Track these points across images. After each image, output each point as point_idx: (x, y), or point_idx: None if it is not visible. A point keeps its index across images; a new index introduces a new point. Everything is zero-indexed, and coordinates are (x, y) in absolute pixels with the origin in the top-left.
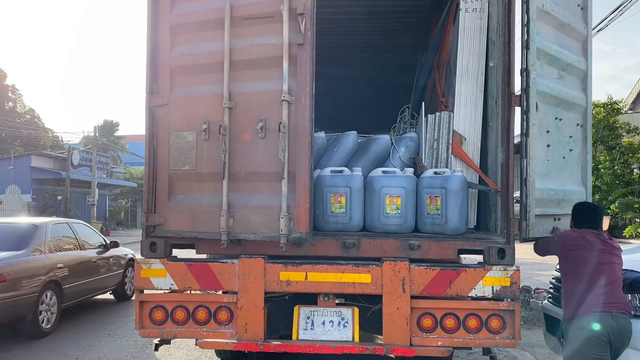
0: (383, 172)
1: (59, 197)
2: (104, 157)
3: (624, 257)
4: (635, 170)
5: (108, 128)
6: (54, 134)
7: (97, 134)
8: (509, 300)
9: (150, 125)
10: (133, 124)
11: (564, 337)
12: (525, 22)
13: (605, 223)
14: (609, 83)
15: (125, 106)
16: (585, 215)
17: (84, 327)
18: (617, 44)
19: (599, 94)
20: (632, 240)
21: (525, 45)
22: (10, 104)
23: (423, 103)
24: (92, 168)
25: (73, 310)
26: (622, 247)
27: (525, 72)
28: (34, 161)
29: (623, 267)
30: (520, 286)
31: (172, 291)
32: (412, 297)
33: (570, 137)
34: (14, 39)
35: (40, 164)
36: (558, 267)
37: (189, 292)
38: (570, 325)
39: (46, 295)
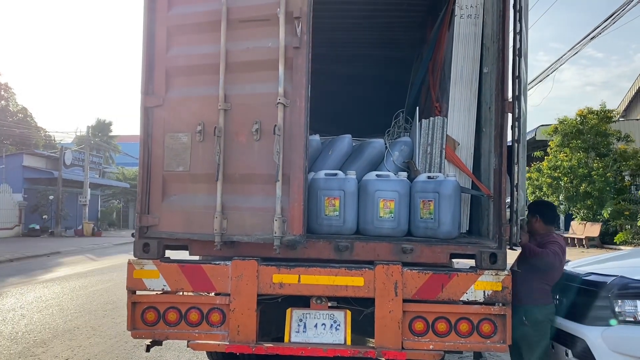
0: (377, 175)
1: (51, 197)
2: (96, 157)
3: (613, 263)
4: (627, 177)
5: (101, 128)
6: (47, 133)
7: (90, 134)
8: (500, 304)
9: (145, 126)
10: (126, 124)
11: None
12: (518, 31)
13: (596, 230)
14: (602, 90)
15: (119, 106)
16: (554, 213)
17: (74, 328)
18: (611, 51)
19: (591, 101)
20: (622, 247)
21: (518, 53)
22: (2, 102)
23: (417, 108)
24: (84, 168)
25: (63, 312)
26: (612, 253)
27: (517, 79)
28: (26, 160)
29: (612, 274)
30: None
31: (165, 292)
32: (404, 301)
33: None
34: (6, 37)
35: (32, 163)
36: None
37: (181, 293)
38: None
39: None
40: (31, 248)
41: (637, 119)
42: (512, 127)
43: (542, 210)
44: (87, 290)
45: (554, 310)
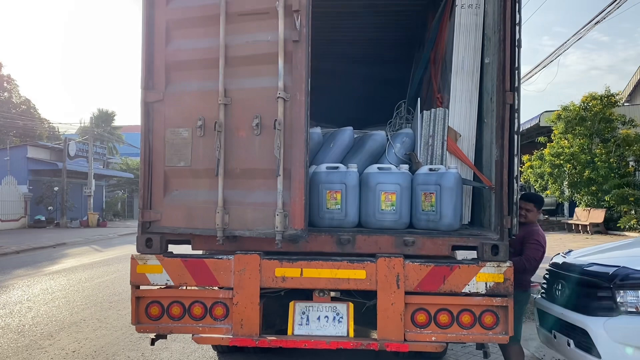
0: (378, 168)
1: (56, 188)
2: (100, 148)
3: (616, 253)
4: (630, 162)
5: (104, 118)
6: (50, 124)
7: (93, 125)
8: (502, 296)
9: (145, 121)
10: (130, 114)
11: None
12: (517, 21)
13: (601, 216)
14: (607, 74)
15: (122, 96)
16: None
17: (81, 320)
18: (616, 34)
19: (597, 86)
20: (627, 233)
21: (517, 44)
22: (5, 94)
23: (419, 99)
24: (88, 159)
25: (70, 304)
26: (615, 243)
27: (516, 70)
28: (30, 152)
29: (614, 264)
30: None
31: (168, 287)
32: (407, 293)
33: None
34: (9, 28)
35: (36, 154)
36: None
37: (184, 287)
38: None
39: None
40: (37, 239)
41: None
42: (511, 119)
43: (539, 202)
44: (93, 282)
45: (529, 297)
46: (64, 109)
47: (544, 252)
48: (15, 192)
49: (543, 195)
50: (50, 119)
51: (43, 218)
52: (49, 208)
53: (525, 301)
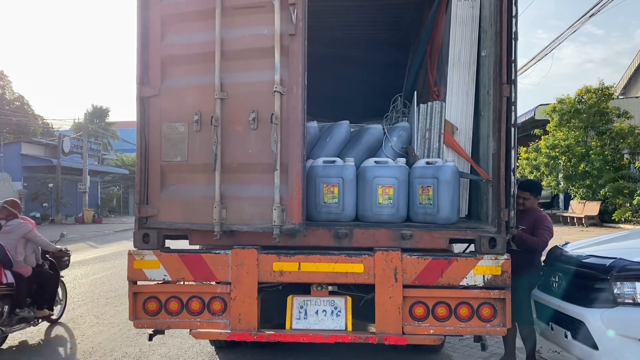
0: (375, 162)
1: (50, 185)
2: (95, 144)
3: (613, 245)
4: (625, 155)
5: (98, 114)
6: (44, 120)
7: (87, 121)
8: (500, 288)
9: (141, 116)
10: (124, 110)
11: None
12: (514, 14)
13: (596, 208)
14: (601, 67)
15: (116, 92)
16: None
17: (78, 317)
18: (611, 27)
19: (591, 79)
20: (622, 225)
21: (513, 37)
22: None
23: (415, 92)
24: (83, 155)
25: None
26: (612, 235)
27: (513, 63)
28: (25, 148)
29: (611, 256)
30: None
31: (166, 282)
32: (404, 286)
33: None
34: (1, 25)
35: (30, 151)
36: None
37: (182, 283)
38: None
39: None
40: None
41: (637, 97)
42: (508, 111)
43: (538, 188)
44: (89, 279)
45: (540, 276)
46: (57, 106)
47: (550, 239)
48: (10, 189)
49: None
50: (44, 116)
51: (38, 215)
52: (44, 205)
53: (538, 281)
